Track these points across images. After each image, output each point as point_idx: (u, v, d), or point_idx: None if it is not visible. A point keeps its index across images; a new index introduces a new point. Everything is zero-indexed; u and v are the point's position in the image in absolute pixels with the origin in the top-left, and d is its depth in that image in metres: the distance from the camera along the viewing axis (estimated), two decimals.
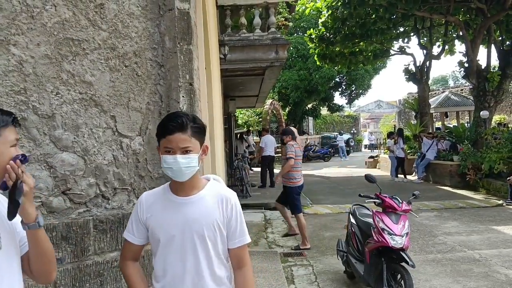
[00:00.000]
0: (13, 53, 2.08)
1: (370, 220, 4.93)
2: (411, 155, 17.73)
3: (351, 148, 38.30)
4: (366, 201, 5.07)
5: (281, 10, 13.65)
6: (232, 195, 1.98)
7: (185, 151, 1.74)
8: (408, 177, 16.79)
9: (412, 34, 20.51)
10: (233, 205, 1.95)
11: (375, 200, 4.90)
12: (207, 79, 5.65)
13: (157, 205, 1.81)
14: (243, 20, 9.55)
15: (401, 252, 4.48)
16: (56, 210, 2.18)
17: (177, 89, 2.64)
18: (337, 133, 40.40)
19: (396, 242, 4.44)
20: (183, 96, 2.66)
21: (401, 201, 4.75)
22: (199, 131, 1.80)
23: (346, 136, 39.95)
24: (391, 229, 4.51)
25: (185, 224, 1.80)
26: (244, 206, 11.28)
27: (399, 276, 4.50)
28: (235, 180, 14.12)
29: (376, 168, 21.48)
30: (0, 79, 2.04)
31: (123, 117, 2.48)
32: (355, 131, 46.75)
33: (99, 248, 2.20)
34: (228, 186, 12.57)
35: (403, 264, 4.49)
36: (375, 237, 4.64)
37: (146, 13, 2.56)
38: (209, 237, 1.85)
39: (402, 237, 4.49)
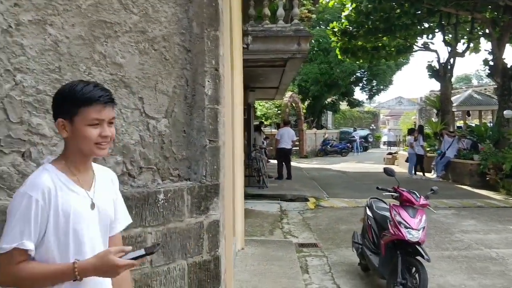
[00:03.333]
0: (50, 32, 2.16)
1: (387, 213, 4.96)
2: (431, 153, 17.57)
3: (369, 144, 38.07)
4: (384, 194, 5.09)
5: (305, 2, 13.61)
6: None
7: (111, 123, 1.60)
8: (427, 174, 16.66)
9: (437, 30, 20.19)
10: (117, 184, 1.85)
11: (393, 193, 4.92)
12: (230, 68, 5.71)
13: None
14: (267, 10, 9.56)
15: (417, 246, 4.50)
16: None
17: (203, 74, 2.70)
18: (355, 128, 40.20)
19: (412, 235, 4.47)
20: (208, 81, 2.72)
21: (419, 196, 4.77)
22: None
23: (364, 132, 39.70)
24: (407, 223, 4.53)
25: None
26: (261, 197, 11.45)
27: (413, 269, 4.53)
28: (252, 171, 14.20)
29: (394, 164, 21.33)
30: (37, 57, 2.12)
31: (151, 99, 2.55)
32: (374, 127, 46.38)
33: None
34: (245, 176, 12.68)
35: (419, 258, 4.52)
36: (391, 230, 4.67)
37: None
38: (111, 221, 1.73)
39: (419, 231, 4.51)
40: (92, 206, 1.61)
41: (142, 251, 1.57)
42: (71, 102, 1.52)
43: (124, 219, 1.82)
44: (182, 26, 2.69)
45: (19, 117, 2.07)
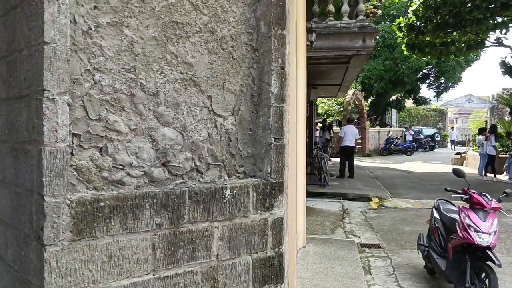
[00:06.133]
0: (126, 34, 2.27)
1: (455, 216, 4.78)
2: (503, 154, 16.65)
3: (436, 143, 36.68)
4: (452, 196, 4.91)
5: None
6: None
7: None
8: (498, 176, 15.82)
9: (511, 25, 19.06)
10: None
11: (462, 195, 4.73)
12: (294, 66, 5.71)
13: None
14: (331, 7, 9.47)
15: (487, 251, 4.31)
16: (157, 179, 2.37)
17: (269, 72, 2.73)
18: (421, 128, 38.88)
19: (482, 239, 4.28)
20: (274, 80, 2.75)
21: (490, 198, 4.56)
22: None
23: (430, 131, 38.30)
24: (478, 226, 4.35)
25: None
26: (322, 195, 11.38)
27: (483, 275, 4.34)
28: (313, 169, 14.13)
29: (463, 165, 20.42)
30: (114, 57, 2.24)
31: (218, 98, 2.62)
32: (441, 125, 44.57)
33: (193, 218, 2.37)
34: (307, 174, 12.65)
35: (489, 263, 4.32)
36: (460, 234, 4.50)
37: None
38: None
39: (490, 235, 4.32)
40: None
41: None
42: None
43: None
44: (249, 25, 2.73)
45: (98, 114, 2.19)
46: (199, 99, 2.54)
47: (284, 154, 2.83)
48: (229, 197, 2.53)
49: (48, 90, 1.93)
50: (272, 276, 2.71)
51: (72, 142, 2.10)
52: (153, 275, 2.24)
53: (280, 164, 2.79)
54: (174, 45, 2.44)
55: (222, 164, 2.65)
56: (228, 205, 2.53)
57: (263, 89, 2.76)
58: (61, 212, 1.94)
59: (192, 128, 2.52)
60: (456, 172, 4.97)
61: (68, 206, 1.97)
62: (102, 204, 2.09)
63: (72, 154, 2.10)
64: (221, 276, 2.50)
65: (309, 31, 7.92)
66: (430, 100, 37.77)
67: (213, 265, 2.46)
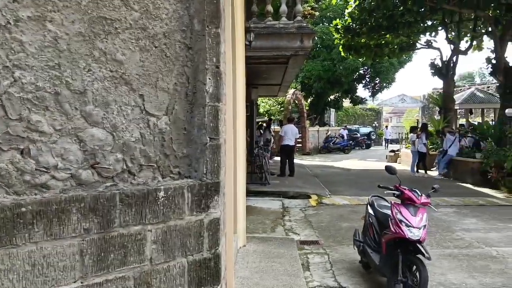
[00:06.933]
0: (49, 29, 2.15)
1: (388, 212, 4.95)
2: (433, 151, 17.55)
3: (372, 141, 38.04)
4: (385, 192, 5.09)
5: None
6: None
7: None
8: (429, 172, 16.64)
9: (440, 28, 20.16)
10: None
11: (394, 191, 4.91)
12: (232, 65, 5.69)
13: None
14: (269, 7, 9.53)
15: (418, 244, 4.50)
16: (85, 182, 2.27)
17: (204, 71, 2.69)
18: (357, 126, 40.20)
19: (413, 234, 4.46)
20: (209, 79, 2.71)
21: (420, 194, 4.76)
22: None
23: (366, 129, 39.71)
24: (408, 221, 4.53)
25: None
26: (263, 194, 11.46)
27: (414, 267, 4.52)
28: (254, 168, 14.20)
29: (396, 162, 21.30)
30: (37, 54, 2.11)
31: (151, 97, 2.54)
32: (377, 124, 46.30)
33: (124, 221, 2.29)
34: (248, 173, 12.67)
35: (419, 256, 4.52)
36: (392, 228, 4.67)
37: None
38: None
39: (420, 229, 4.50)
40: None
41: None
42: None
43: None
44: (183, 23, 2.67)
45: (18, 114, 2.06)
46: (130, 98, 2.46)
47: (220, 154, 2.79)
48: (163, 199, 2.47)
49: None
50: (209, 278, 2.67)
51: None
52: (81, 282, 2.14)
53: (216, 164, 2.75)
54: (102, 41, 2.34)
55: (155, 165, 2.57)
56: (162, 207, 2.46)
57: (198, 88, 2.71)
58: None
59: (123, 128, 2.42)
60: (388, 170, 5.15)
61: None
62: (23, 209, 1.96)
63: None
64: (155, 281, 2.43)
65: (247, 30, 7.93)
66: (366, 99, 39.12)
67: (146, 270, 2.38)
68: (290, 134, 15.27)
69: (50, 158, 2.15)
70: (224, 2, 3.04)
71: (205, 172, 2.69)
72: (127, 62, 2.43)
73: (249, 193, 10.73)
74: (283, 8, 9.50)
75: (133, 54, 2.46)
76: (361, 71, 33.79)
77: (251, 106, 15.94)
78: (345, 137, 32.06)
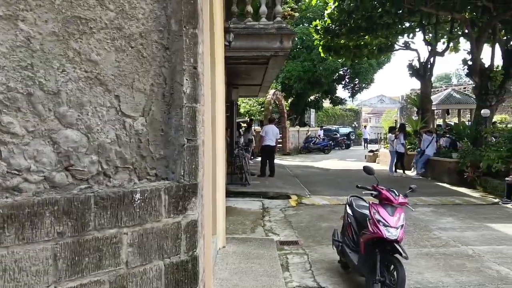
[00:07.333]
0: (21, 28, 2.10)
1: (367, 212, 4.99)
2: (411, 151, 17.78)
3: (351, 142, 38.37)
4: (363, 192, 5.12)
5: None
6: None
7: None
8: (407, 172, 16.85)
9: (417, 29, 20.44)
10: None
11: (372, 191, 4.95)
12: (211, 65, 5.67)
13: None
14: (249, 8, 9.53)
15: (395, 244, 4.55)
16: (59, 185, 2.22)
17: (181, 72, 2.66)
18: (337, 127, 40.53)
19: (390, 233, 4.50)
20: (186, 79, 2.68)
21: (397, 194, 4.81)
22: None
23: (346, 130, 40.07)
24: (386, 221, 4.57)
25: None
26: (243, 194, 11.44)
27: (392, 267, 4.57)
28: (235, 168, 14.18)
29: (375, 162, 21.53)
30: (8, 53, 2.06)
31: (127, 97, 2.51)
32: (356, 125, 46.73)
33: (99, 224, 2.25)
34: (228, 174, 12.64)
35: (397, 255, 4.56)
36: (370, 228, 4.70)
37: None
38: None
39: (397, 229, 4.55)
40: None
41: None
42: None
43: None
44: (160, 23, 2.64)
45: None
46: (105, 99, 2.42)
47: (198, 155, 2.77)
48: (139, 201, 2.43)
49: None
50: (186, 281, 2.65)
51: None
52: (55, 287, 2.09)
53: (194, 166, 2.73)
54: (77, 41, 2.30)
55: (132, 167, 2.54)
56: (138, 210, 2.43)
57: (175, 89, 2.68)
58: None
59: (98, 130, 2.39)
60: (366, 170, 5.20)
61: None
62: None
63: None
64: (131, 284, 2.39)
65: (227, 31, 7.91)
66: (345, 100, 39.45)
67: (122, 273, 2.35)
68: (271, 134, 15.30)
69: (22, 160, 2.11)
70: (202, 2, 3.02)
71: (182, 173, 2.67)
72: (102, 62, 2.40)
73: (229, 194, 10.71)
74: (263, 8, 9.51)
75: (109, 54, 2.43)
76: (341, 72, 34.06)
77: (231, 107, 15.91)
78: (322, 136, 32.29)
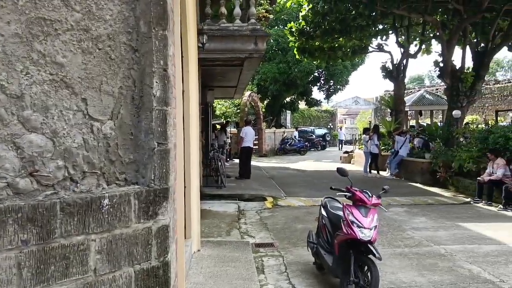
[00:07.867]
0: None
1: (341, 213, 5.01)
2: (385, 152, 18.02)
3: (327, 143, 38.68)
4: (337, 194, 5.15)
5: (262, 1, 13.62)
6: None
7: None
8: (381, 173, 17.06)
9: (390, 32, 20.76)
10: None
11: (346, 193, 4.98)
12: (184, 67, 5.61)
13: None
14: (223, 9, 9.50)
15: (369, 245, 4.58)
16: (23, 191, 2.15)
17: (151, 74, 2.62)
18: (313, 128, 40.85)
19: (364, 234, 4.54)
20: (156, 82, 2.64)
21: (371, 195, 4.84)
22: None
23: (321, 131, 40.40)
24: (360, 222, 4.60)
25: None
26: (219, 197, 11.38)
27: (366, 268, 4.60)
28: (210, 171, 14.10)
29: (350, 163, 21.74)
30: None
31: (95, 101, 2.45)
32: (331, 126, 47.14)
33: (66, 231, 2.19)
34: (203, 176, 12.56)
35: (371, 256, 4.59)
36: (344, 230, 4.73)
37: None
38: None
39: (371, 230, 4.58)
40: None
41: None
42: None
43: None
44: (128, 24, 2.59)
45: None
46: (72, 102, 2.36)
47: (169, 159, 2.73)
48: (107, 206, 2.38)
49: None
50: (157, 287, 2.60)
51: None
52: None
53: (164, 170, 2.69)
54: (41, 43, 2.23)
55: (100, 171, 2.48)
56: (106, 216, 2.37)
57: (144, 92, 2.63)
58: None
59: (64, 134, 2.32)
60: (340, 172, 5.22)
61: None
62: None
63: None
64: None
65: (200, 32, 7.87)
66: (321, 101, 39.76)
67: (90, 281, 2.29)
68: (250, 136, 15.34)
69: None
70: (172, 4, 2.98)
71: (153, 178, 2.62)
72: (68, 64, 2.34)
73: (205, 197, 10.64)
74: (237, 10, 9.50)
75: (75, 57, 2.37)
76: (316, 74, 34.33)
77: (206, 108, 15.83)
78: (297, 137, 32.49)
